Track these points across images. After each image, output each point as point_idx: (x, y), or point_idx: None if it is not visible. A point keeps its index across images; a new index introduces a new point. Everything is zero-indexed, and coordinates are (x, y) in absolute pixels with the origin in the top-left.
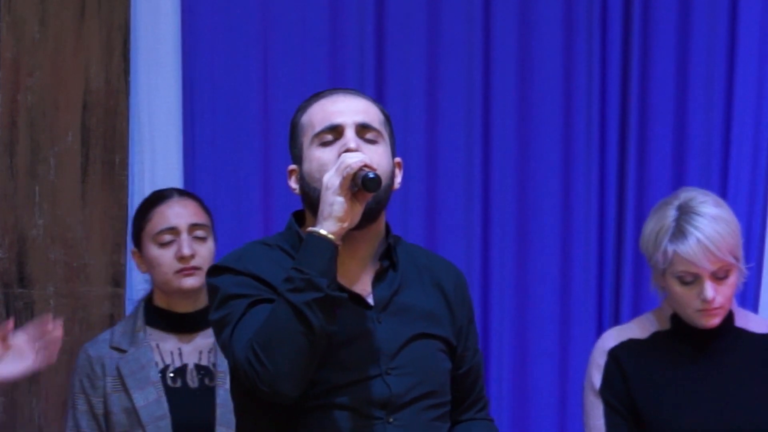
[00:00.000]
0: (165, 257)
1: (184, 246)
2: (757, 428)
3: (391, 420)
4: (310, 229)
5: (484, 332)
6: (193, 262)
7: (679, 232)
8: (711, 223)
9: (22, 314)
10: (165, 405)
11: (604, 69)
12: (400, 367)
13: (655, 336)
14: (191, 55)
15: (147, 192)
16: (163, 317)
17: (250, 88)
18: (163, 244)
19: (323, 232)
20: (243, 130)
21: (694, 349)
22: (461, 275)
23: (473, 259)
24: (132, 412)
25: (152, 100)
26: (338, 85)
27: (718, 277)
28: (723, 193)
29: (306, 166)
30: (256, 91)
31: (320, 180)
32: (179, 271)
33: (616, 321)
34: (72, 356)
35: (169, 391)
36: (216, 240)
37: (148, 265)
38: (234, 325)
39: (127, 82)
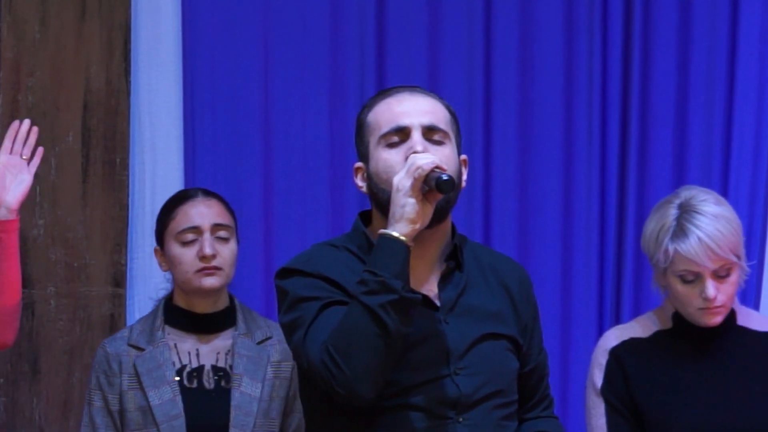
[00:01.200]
0: (187, 256)
1: (206, 245)
2: (758, 427)
3: (461, 420)
4: (382, 231)
5: None
6: (215, 262)
7: (680, 230)
8: (712, 222)
9: (23, 314)
10: (180, 405)
11: (605, 69)
12: (468, 367)
13: (657, 335)
14: (191, 55)
15: (147, 192)
16: (183, 317)
17: (250, 88)
18: (186, 243)
19: (395, 234)
20: (243, 130)
21: (695, 347)
22: (526, 273)
23: None
24: (147, 410)
25: (153, 100)
26: (338, 85)
27: (720, 275)
28: (724, 192)
29: (373, 166)
30: (256, 91)
31: (387, 181)
32: (200, 271)
33: (617, 321)
34: (72, 357)
35: (185, 391)
36: (239, 242)
37: (170, 264)
38: (307, 328)
39: (127, 82)
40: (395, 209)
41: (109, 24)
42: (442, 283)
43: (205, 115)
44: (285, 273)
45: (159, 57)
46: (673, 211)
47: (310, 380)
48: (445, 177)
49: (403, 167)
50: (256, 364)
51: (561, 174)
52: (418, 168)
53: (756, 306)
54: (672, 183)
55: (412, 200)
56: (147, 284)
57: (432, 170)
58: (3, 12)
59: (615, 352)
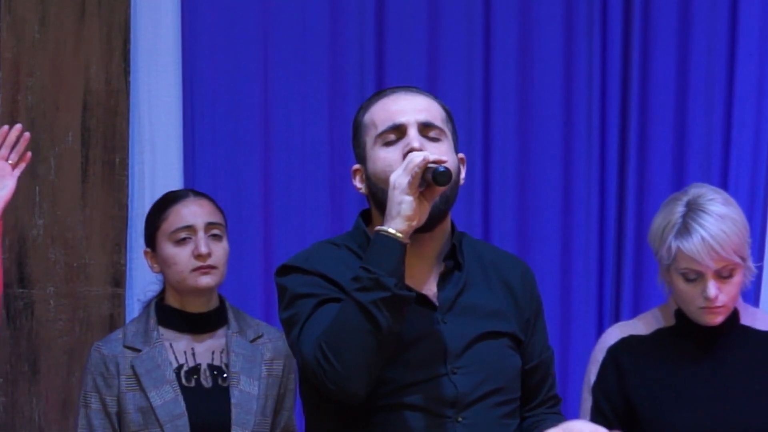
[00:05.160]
0: (181, 255)
1: (201, 244)
2: (755, 427)
3: (459, 419)
4: (378, 228)
5: None
6: (210, 261)
7: (684, 228)
8: (717, 222)
9: (22, 314)
10: (182, 404)
11: (605, 69)
12: (466, 366)
13: (658, 333)
14: (191, 55)
15: (147, 192)
16: (176, 317)
17: (250, 88)
18: (180, 243)
19: (392, 230)
20: (243, 130)
21: (696, 346)
22: (529, 270)
23: None
24: (148, 410)
25: (152, 100)
26: (338, 85)
27: (722, 275)
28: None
29: (371, 166)
30: (256, 91)
31: (386, 180)
32: (196, 270)
33: (617, 321)
34: (72, 357)
35: (185, 390)
36: (229, 240)
37: (162, 264)
38: (302, 325)
39: (127, 83)
40: (392, 206)
41: (108, 24)
42: (442, 282)
43: (205, 115)
44: (284, 270)
45: (159, 57)
46: (680, 209)
47: (306, 377)
48: (441, 168)
49: (401, 165)
50: (252, 362)
51: (561, 173)
52: (415, 165)
53: (755, 305)
54: (672, 183)
55: (409, 197)
56: (146, 284)
57: (429, 163)
58: (3, 12)
59: (613, 350)
